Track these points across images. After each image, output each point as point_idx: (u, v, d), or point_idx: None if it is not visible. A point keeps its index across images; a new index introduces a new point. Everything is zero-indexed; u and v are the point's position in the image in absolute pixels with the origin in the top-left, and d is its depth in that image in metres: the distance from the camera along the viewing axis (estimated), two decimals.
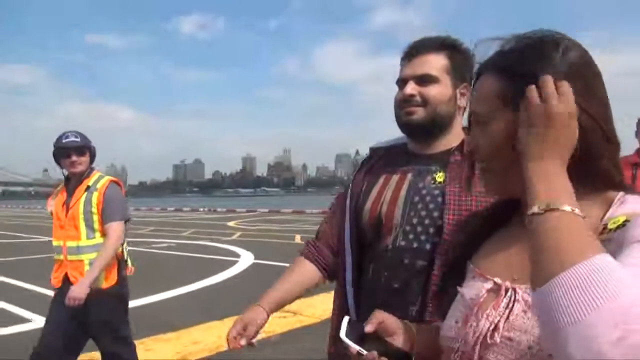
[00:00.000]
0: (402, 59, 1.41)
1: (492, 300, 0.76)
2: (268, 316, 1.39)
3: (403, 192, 1.37)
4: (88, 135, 3.09)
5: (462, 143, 1.36)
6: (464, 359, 0.78)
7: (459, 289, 0.84)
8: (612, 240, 0.65)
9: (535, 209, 0.63)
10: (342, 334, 0.85)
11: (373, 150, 1.54)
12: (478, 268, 0.83)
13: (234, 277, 7.91)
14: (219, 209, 35.88)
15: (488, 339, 0.74)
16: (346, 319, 0.88)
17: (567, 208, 0.61)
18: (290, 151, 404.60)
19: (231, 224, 21.05)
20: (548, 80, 0.68)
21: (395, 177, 1.41)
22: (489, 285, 0.78)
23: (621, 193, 0.74)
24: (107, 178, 3.09)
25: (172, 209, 38.51)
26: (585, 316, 0.52)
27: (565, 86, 0.67)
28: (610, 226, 0.68)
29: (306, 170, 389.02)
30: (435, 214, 1.30)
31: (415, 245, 1.31)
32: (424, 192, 1.35)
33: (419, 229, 1.31)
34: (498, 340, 0.73)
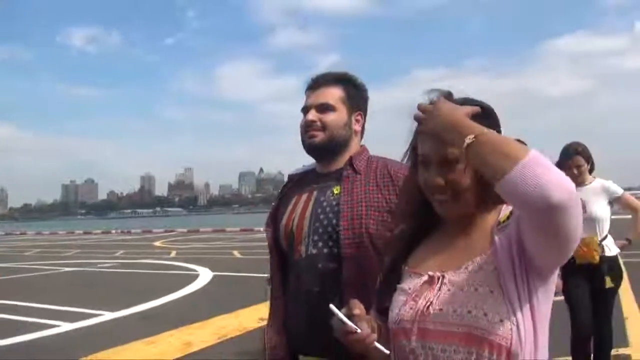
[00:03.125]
0: (306, 90, 1.62)
1: (427, 288, 1.01)
2: None
3: (310, 207, 1.56)
4: None
5: (350, 159, 1.59)
6: (407, 334, 0.99)
7: (398, 285, 1.06)
8: (507, 226, 0.97)
9: (472, 137, 0.86)
10: (341, 315, 0.99)
11: (290, 176, 1.75)
12: (412, 268, 1.07)
13: (208, 285, 8.91)
14: (133, 230, 35.24)
15: (425, 313, 0.97)
16: (332, 305, 1.00)
17: (485, 130, 0.88)
18: (192, 170, 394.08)
19: (157, 243, 21.30)
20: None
21: (304, 196, 1.61)
22: (425, 277, 1.02)
23: None
24: None
25: (80, 231, 37.01)
26: (555, 173, 0.81)
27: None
28: (502, 220, 1.00)
29: (209, 189, 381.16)
30: (335, 221, 1.50)
31: (325, 251, 1.50)
32: (324, 204, 1.54)
33: (325, 237, 1.50)
34: (432, 311, 0.97)
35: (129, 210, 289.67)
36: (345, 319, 0.98)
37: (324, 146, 1.56)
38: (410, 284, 1.04)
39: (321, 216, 1.52)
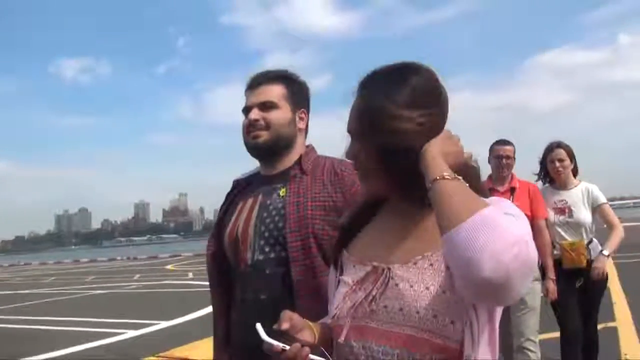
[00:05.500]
0: (246, 90, 1.55)
1: (370, 280, 0.91)
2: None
3: (255, 212, 1.50)
4: None
5: (300, 158, 1.53)
6: (343, 330, 0.92)
7: (340, 277, 0.98)
8: None
9: (430, 182, 0.82)
10: (265, 336, 0.90)
11: (236, 182, 1.66)
12: (355, 257, 0.98)
13: None
14: (139, 257, 35.86)
15: (366, 308, 0.89)
16: (259, 325, 0.92)
17: (446, 175, 0.81)
18: (186, 195, 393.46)
19: (169, 267, 21.93)
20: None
21: (250, 201, 1.54)
22: (368, 268, 0.93)
23: None
24: None
25: (86, 259, 37.58)
26: (493, 242, 0.71)
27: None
28: None
29: (204, 214, 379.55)
30: (281, 224, 1.44)
31: (272, 255, 1.44)
32: (270, 207, 1.48)
33: (271, 240, 1.45)
34: (375, 308, 0.88)
35: (123, 239, 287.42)
36: (267, 339, 0.91)
37: (269, 146, 1.51)
38: (352, 275, 0.96)
39: (267, 220, 1.48)
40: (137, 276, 17.95)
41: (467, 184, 0.83)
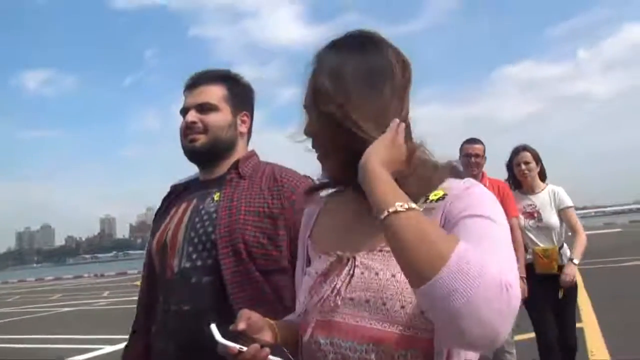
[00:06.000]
0: (185, 90, 1.48)
1: (335, 271, 0.85)
2: None
3: (186, 217, 1.42)
4: None
5: (237, 162, 1.45)
6: (311, 327, 0.85)
7: (307, 269, 0.93)
8: (434, 208, 0.79)
9: (384, 214, 0.70)
10: (219, 337, 0.83)
11: (173, 187, 1.58)
12: (320, 246, 0.93)
13: None
14: (106, 273, 35.01)
15: (331, 302, 0.82)
16: (213, 325, 0.84)
17: (399, 207, 0.69)
18: (153, 210, 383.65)
19: (139, 283, 21.46)
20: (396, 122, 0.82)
21: (183, 206, 1.46)
22: (332, 258, 0.87)
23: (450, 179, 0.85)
24: None
25: (51, 277, 36.47)
26: (472, 294, 0.62)
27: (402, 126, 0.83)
28: (431, 197, 0.81)
29: None
30: (210, 229, 1.35)
31: (199, 263, 1.34)
32: (202, 212, 1.40)
33: (200, 247, 1.35)
34: (339, 302, 0.81)
35: (88, 256, 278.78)
36: (221, 340, 0.83)
37: (207, 150, 1.44)
38: (317, 266, 0.91)
39: (197, 225, 1.39)
40: (106, 293, 17.56)
41: (421, 209, 0.74)
